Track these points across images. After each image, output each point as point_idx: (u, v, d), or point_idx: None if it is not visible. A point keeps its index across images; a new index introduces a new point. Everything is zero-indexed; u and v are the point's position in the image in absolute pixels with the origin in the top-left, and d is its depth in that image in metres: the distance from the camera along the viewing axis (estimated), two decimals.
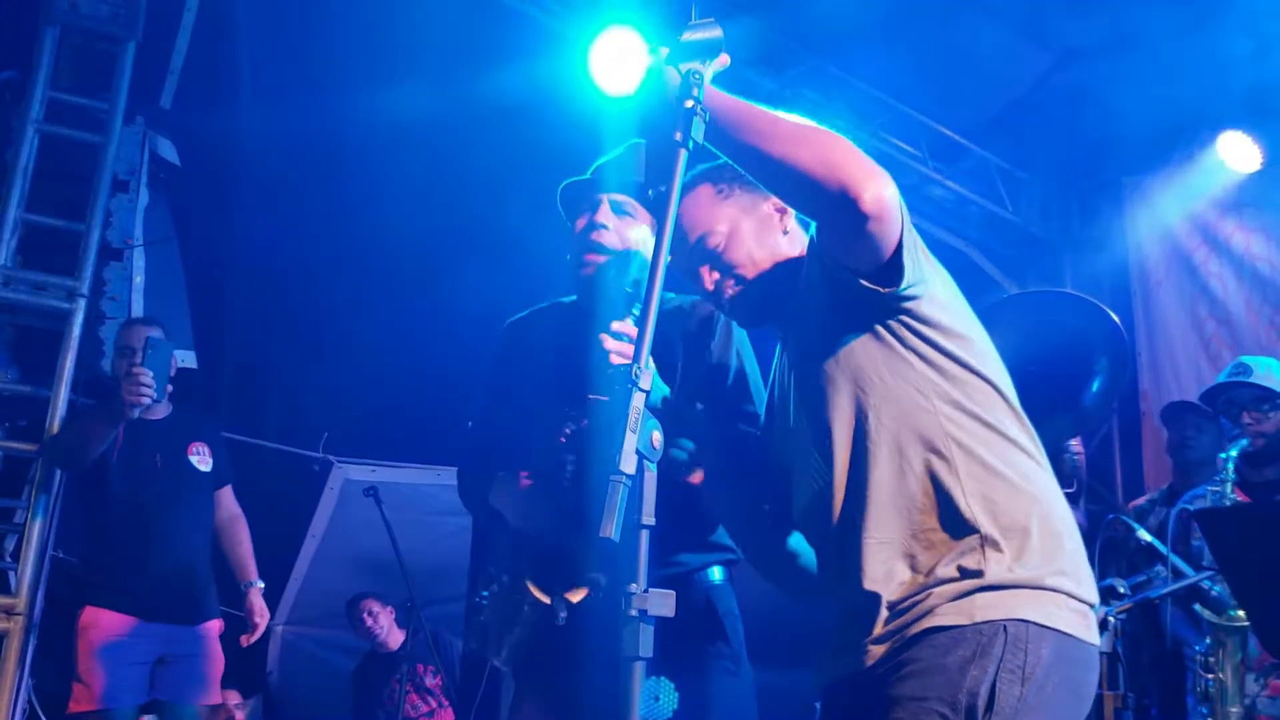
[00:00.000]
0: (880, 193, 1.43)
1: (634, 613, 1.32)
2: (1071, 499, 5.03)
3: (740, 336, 2.12)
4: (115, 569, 3.48)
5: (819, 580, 1.69)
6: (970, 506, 1.48)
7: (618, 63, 4.30)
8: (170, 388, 3.49)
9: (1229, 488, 2.82)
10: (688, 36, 1.47)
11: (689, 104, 1.44)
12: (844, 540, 1.55)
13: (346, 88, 4.39)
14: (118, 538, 3.51)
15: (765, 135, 1.48)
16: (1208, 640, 2.72)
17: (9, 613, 3.54)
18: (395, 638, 5.28)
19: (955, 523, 1.48)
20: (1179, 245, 5.21)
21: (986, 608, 1.43)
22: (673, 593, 1.33)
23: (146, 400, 3.28)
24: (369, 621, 5.29)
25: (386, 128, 4.42)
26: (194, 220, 4.84)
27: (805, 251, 1.70)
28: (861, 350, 1.56)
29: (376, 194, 4.74)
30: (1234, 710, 2.50)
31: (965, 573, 1.45)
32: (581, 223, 2.14)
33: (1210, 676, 2.63)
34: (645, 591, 1.32)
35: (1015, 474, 1.53)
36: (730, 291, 1.70)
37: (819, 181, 1.44)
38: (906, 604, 1.47)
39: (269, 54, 4.49)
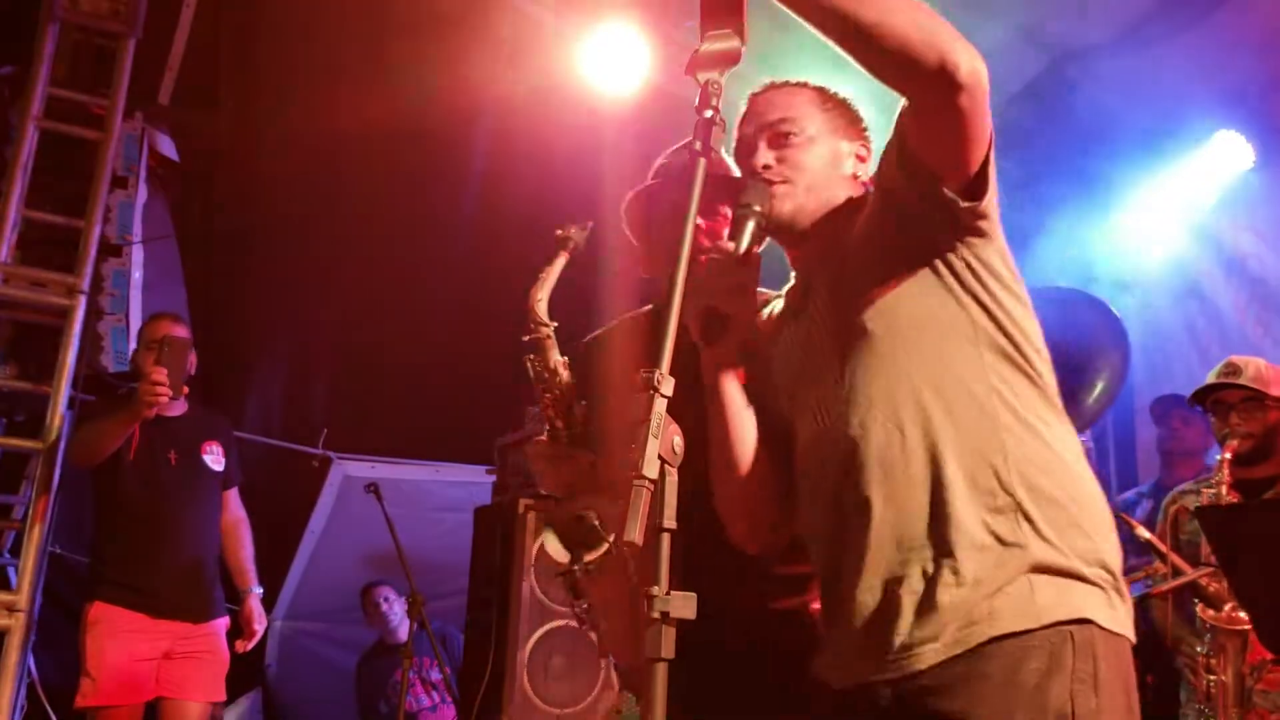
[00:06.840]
0: (975, 65, 1.38)
1: (656, 615, 1.33)
2: None
3: None
4: (126, 565, 3.48)
5: (816, 530, 1.55)
6: (1008, 468, 1.40)
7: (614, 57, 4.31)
8: (186, 389, 3.51)
9: (1224, 489, 2.82)
10: (706, 47, 1.48)
11: (708, 114, 1.44)
12: (856, 486, 1.45)
13: (345, 82, 4.38)
14: (130, 533, 3.51)
15: None
16: (1208, 638, 2.74)
17: (10, 609, 3.53)
18: (405, 628, 5.20)
19: (989, 482, 1.40)
20: (1171, 242, 5.25)
21: (1050, 607, 1.36)
22: (694, 595, 1.34)
23: (162, 401, 3.33)
24: (385, 607, 5.25)
25: (385, 122, 4.42)
26: (192, 215, 4.83)
27: (865, 191, 1.63)
28: (915, 286, 1.49)
29: (376, 188, 4.74)
30: (1237, 711, 2.51)
31: (1001, 541, 1.38)
32: None
33: (1213, 678, 2.64)
34: (667, 594, 1.34)
35: (1059, 444, 1.46)
36: (773, 180, 1.61)
37: (916, 48, 1.36)
38: (945, 586, 1.37)
39: (267, 49, 4.48)
